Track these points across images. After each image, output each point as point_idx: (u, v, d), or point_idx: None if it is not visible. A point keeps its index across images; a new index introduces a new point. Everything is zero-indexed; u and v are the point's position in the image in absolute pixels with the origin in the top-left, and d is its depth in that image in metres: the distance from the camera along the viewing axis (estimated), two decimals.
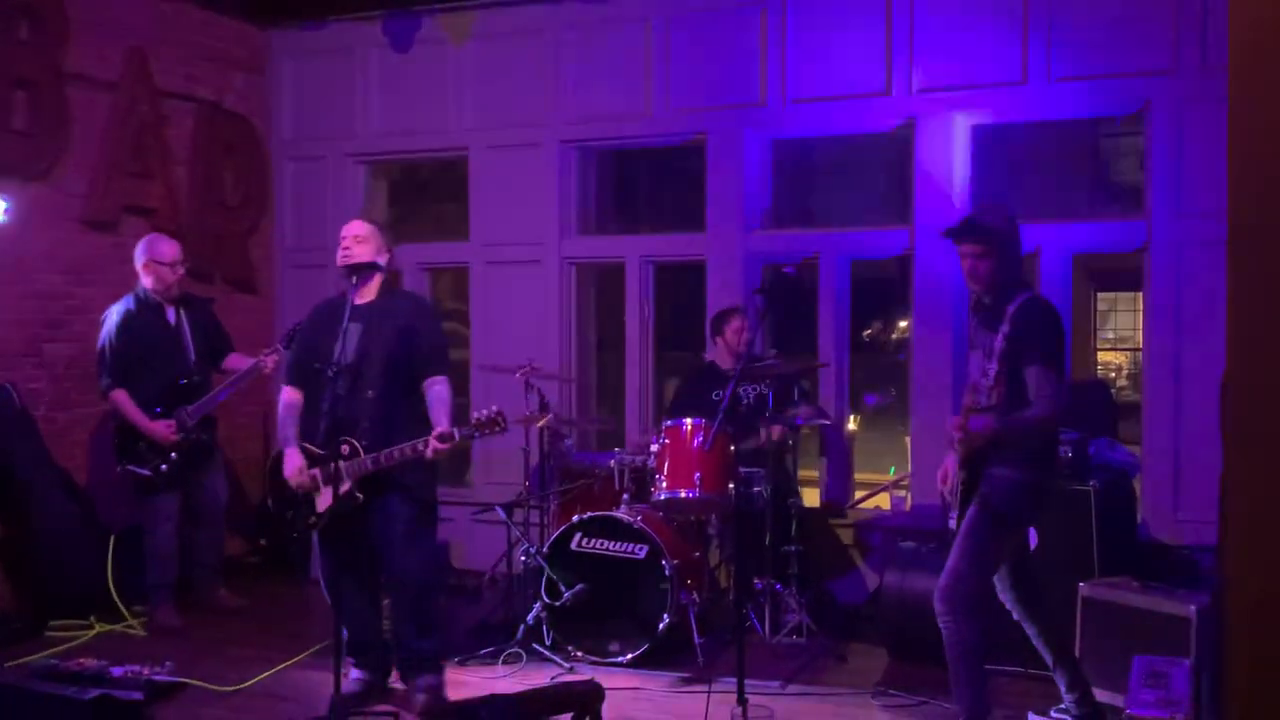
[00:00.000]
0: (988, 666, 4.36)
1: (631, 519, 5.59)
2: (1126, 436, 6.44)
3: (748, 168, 7.00)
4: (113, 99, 6.94)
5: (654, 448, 5.87)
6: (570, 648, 5.57)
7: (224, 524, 6.61)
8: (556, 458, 6.36)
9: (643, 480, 5.96)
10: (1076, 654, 4.74)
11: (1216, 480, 4.64)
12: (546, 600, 5.63)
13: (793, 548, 5.97)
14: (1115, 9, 6.16)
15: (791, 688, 5.21)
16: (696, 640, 5.48)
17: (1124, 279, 13.91)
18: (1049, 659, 4.52)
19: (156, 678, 5.05)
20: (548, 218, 7.45)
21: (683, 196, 7.48)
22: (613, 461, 6.03)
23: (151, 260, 6.17)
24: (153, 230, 6.77)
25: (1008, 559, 4.41)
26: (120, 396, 6.05)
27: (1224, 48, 3.02)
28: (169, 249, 6.22)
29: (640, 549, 5.55)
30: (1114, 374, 16.50)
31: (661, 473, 5.72)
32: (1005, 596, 4.49)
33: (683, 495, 5.64)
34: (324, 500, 4.83)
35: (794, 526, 6.03)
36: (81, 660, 5.22)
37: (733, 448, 5.45)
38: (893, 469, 7.35)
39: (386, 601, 5.11)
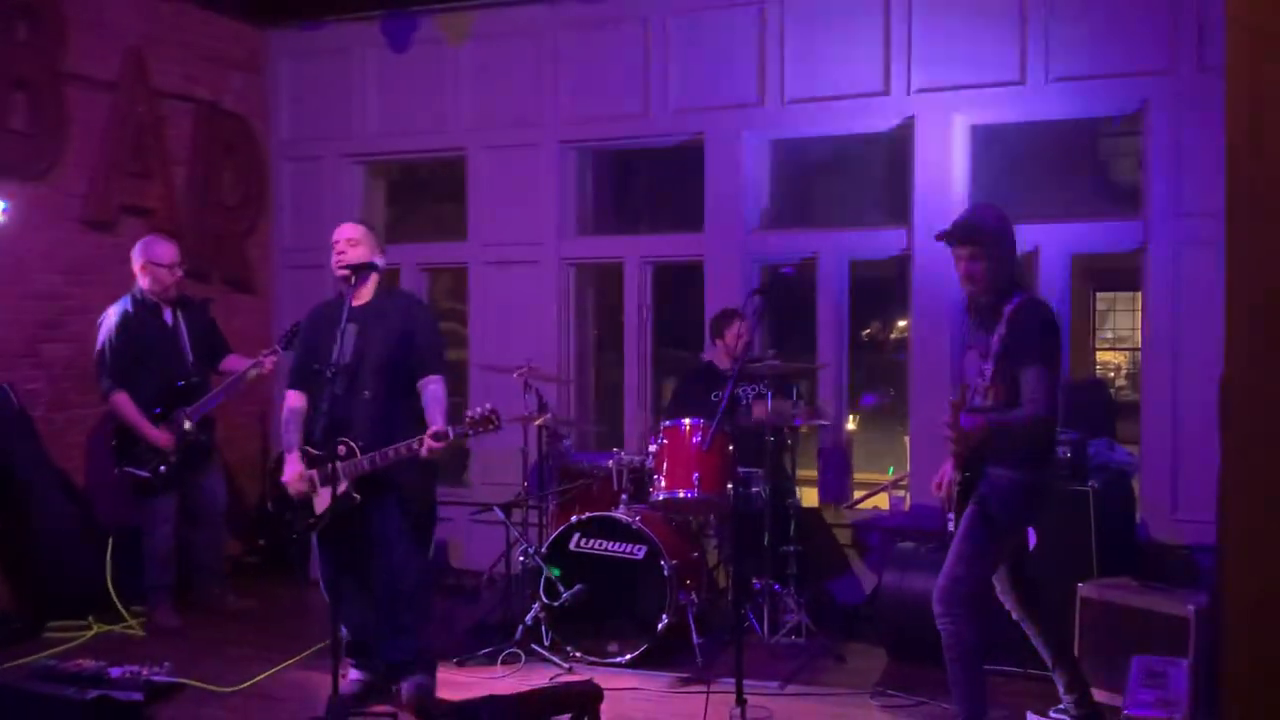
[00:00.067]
0: (986, 667, 4.36)
1: (630, 519, 5.59)
2: (1125, 436, 6.44)
3: (746, 168, 7.00)
4: (111, 99, 6.94)
5: (652, 448, 5.87)
6: (569, 648, 5.57)
7: (224, 525, 6.61)
8: (555, 458, 6.36)
9: (641, 480, 5.96)
10: (1075, 654, 4.74)
11: (1215, 480, 4.65)
12: (545, 600, 5.63)
13: (791, 548, 5.97)
14: (1113, 9, 6.16)
15: (790, 688, 5.22)
16: (695, 640, 5.48)
17: (1123, 279, 13.92)
18: (1048, 659, 4.52)
19: (155, 678, 5.04)
20: (546, 218, 7.45)
21: (681, 197, 7.48)
22: (611, 462, 6.03)
23: (149, 262, 6.16)
24: (151, 230, 6.78)
25: (1007, 559, 4.41)
26: (121, 399, 6.05)
27: (1221, 48, 3.02)
28: (167, 251, 6.21)
29: (639, 549, 5.55)
30: (1113, 374, 16.51)
31: (660, 473, 5.72)
32: (1005, 597, 4.49)
33: (681, 495, 5.64)
34: (322, 501, 4.83)
35: (793, 527, 6.03)
36: (80, 661, 5.21)
37: (730, 447, 5.45)
38: (891, 469, 7.35)
39: (378, 602, 5.10)
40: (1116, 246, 6.39)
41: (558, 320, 7.46)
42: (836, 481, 6.96)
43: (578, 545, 5.66)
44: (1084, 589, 5.05)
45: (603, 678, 5.00)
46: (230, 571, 6.74)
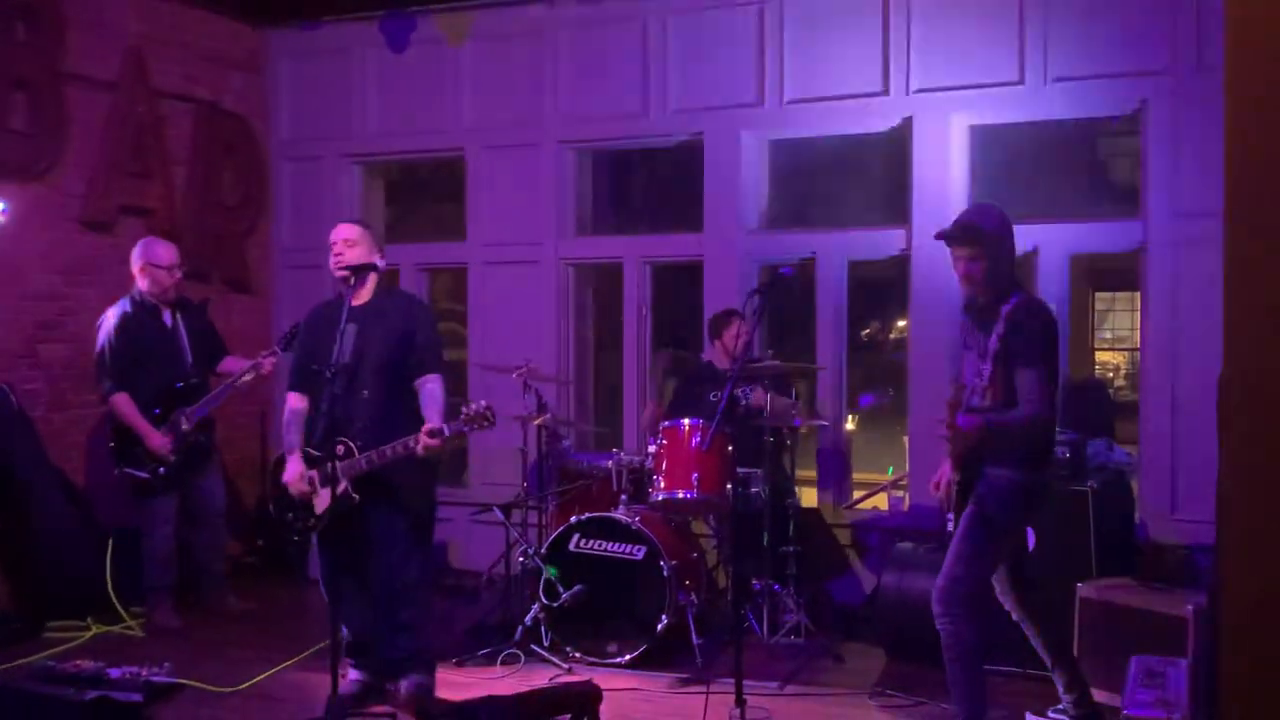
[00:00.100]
0: (986, 667, 4.36)
1: (629, 520, 5.59)
2: (1124, 436, 6.45)
3: (745, 168, 7.00)
4: (111, 99, 6.94)
5: (651, 448, 5.87)
6: (568, 648, 5.57)
7: (224, 527, 6.60)
8: (554, 458, 6.36)
9: (641, 481, 5.96)
10: (1074, 654, 4.74)
11: (1214, 480, 4.65)
12: (544, 601, 5.63)
13: (790, 548, 5.98)
14: (1111, 10, 6.16)
15: (789, 688, 5.22)
16: (695, 641, 5.48)
17: (1122, 279, 13.91)
18: (1047, 659, 4.52)
19: (154, 679, 5.04)
20: (545, 218, 7.46)
21: (680, 197, 7.48)
22: (610, 462, 6.03)
23: (149, 264, 6.16)
24: (150, 231, 6.80)
25: (1006, 559, 4.41)
26: (122, 400, 6.05)
27: (1220, 47, 3.02)
28: (166, 252, 6.21)
29: (638, 550, 5.55)
30: (1112, 374, 16.49)
31: (659, 473, 5.72)
32: (1004, 597, 4.49)
33: (680, 496, 5.64)
34: (322, 501, 4.83)
35: (792, 527, 6.04)
36: (79, 661, 5.21)
37: (730, 448, 5.45)
38: (891, 469, 7.34)
39: (378, 602, 5.10)
40: (1115, 246, 6.40)
41: (557, 320, 7.46)
42: (836, 482, 6.96)
43: (577, 546, 5.66)
44: (1083, 589, 5.06)
45: (602, 678, 5.01)
46: (230, 572, 6.74)
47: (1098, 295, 16.09)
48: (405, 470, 4.81)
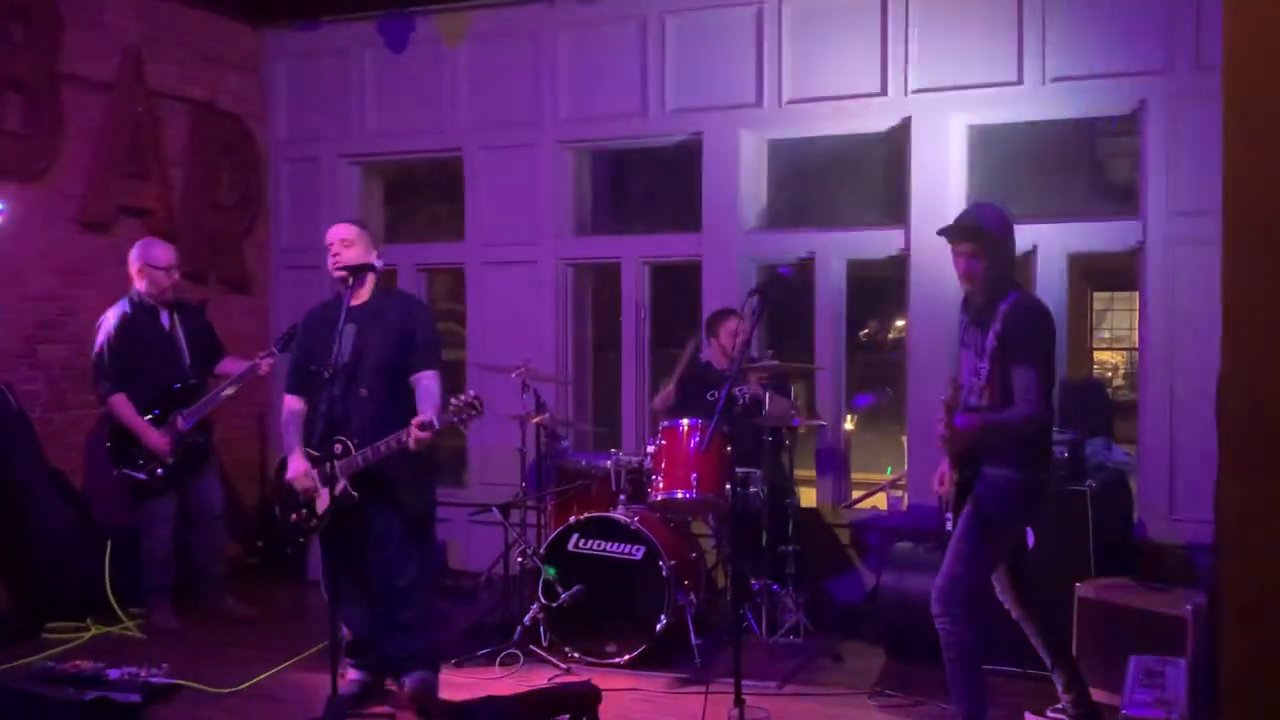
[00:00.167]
0: (985, 666, 4.35)
1: (628, 520, 5.59)
2: (1123, 436, 6.45)
3: (743, 168, 7.00)
4: (108, 100, 6.94)
5: (650, 448, 5.87)
6: (567, 649, 5.56)
7: (223, 529, 6.59)
8: (553, 458, 6.36)
9: (640, 481, 5.96)
10: (1073, 654, 4.74)
11: (1213, 480, 4.65)
12: (543, 601, 5.63)
13: (790, 548, 5.98)
14: (1109, 9, 6.16)
15: (788, 688, 5.22)
16: (694, 641, 5.48)
17: (1120, 278, 13.91)
18: (1046, 659, 4.52)
19: (153, 680, 5.04)
20: (544, 218, 7.46)
21: (678, 197, 7.48)
22: (609, 462, 6.03)
23: (146, 265, 6.16)
24: (148, 231, 6.79)
25: (1006, 559, 4.41)
26: (120, 401, 6.04)
27: (1218, 46, 3.03)
28: (164, 253, 6.21)
29: (637, 550, 5.55)
30: (1110, 373, 16.49)
31: (658, 473, 5.72)
32: (1004, 596, 4.49)
33: (679, 496, 5.64)
34: (322, 501, 4.83)
35: (791, 527, 6.04)
36: (78, 662, 5.22)
37: (728, 448, 5.45)
38: (889, 469, 7.35)
39: (379, 601, 5.10)
40: (1114, 246, 6.40)
41: (555, 320, 7.46)
42: (835, 482, 6.96)
43: (576, 546, 5.66)
44: (1082, 589, 5.06)
45: (601, 678, 5.01)
46: (229, 574, 6.73)
47: (1096, 295, 16.08)
48: (405, 470, 4.81)
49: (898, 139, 6.71)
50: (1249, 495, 2.74)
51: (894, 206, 6.86)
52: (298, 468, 4.88)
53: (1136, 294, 6.43)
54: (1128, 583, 5.10)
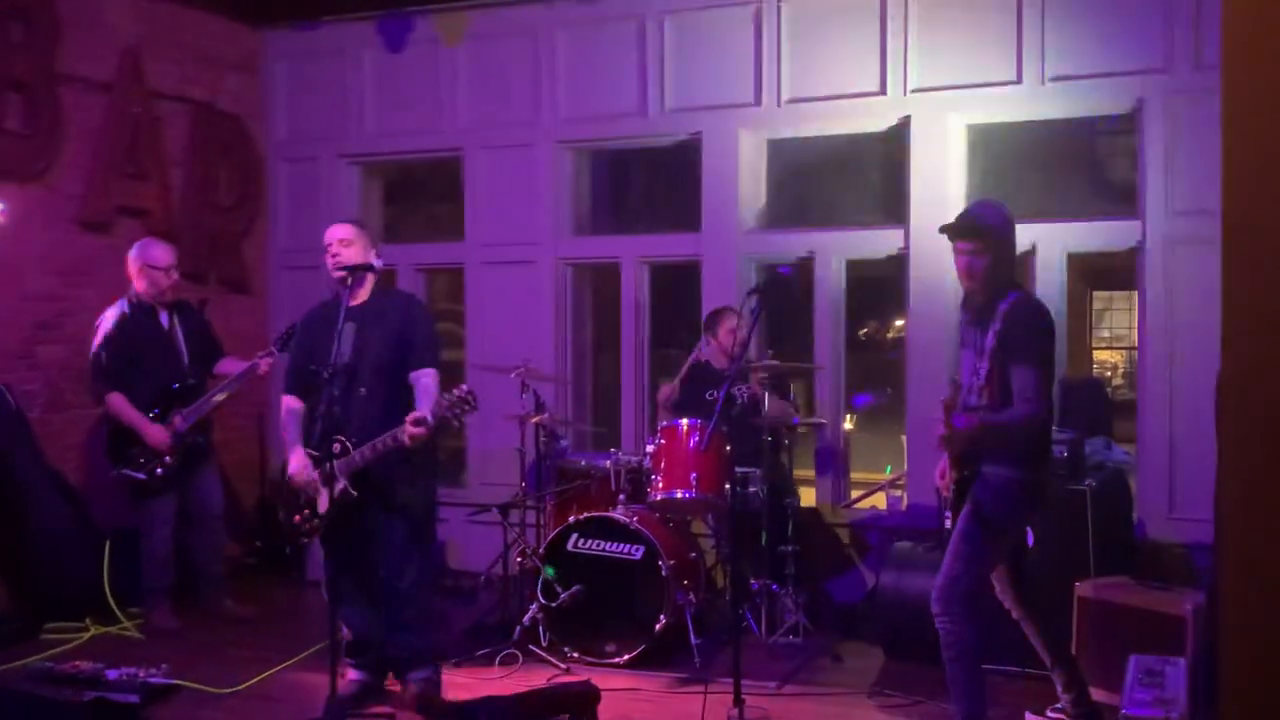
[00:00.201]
0: (985, 666, 4.35)
1: (628, 520, 5.59)
2: (1122, 435, 6.44)
3: (742, 168, 7.00)
4: (107, 100, 6.93)
5: (650, 448, 5.87)
6: (566, 649, 5.56)
7: (223, 530, 6.59)
8: (552, 458, 6.35)
9: (639, 481, 5.95)
10: (1073, 653, 4.74)
11: (1212, 479, 4.65)
12: (543, 601, 5.63)
13: (789, 547, 5.97)
14: (1108, 9, 6.16)
15: (788, 688, 5.22)
16: (693, 641, 5.47)
17: (1120, 278, 13.91)
18: (1046, 658, 4.52)
19: (152, 680, 5.04)
20: (543, 218, 7.45)
21: (678, 197, 7.48)
22: (609, 462, 6.02)
23: (146, 265, 6.16)
24: (147, 231, 6.79)
25: (1006, 558, 4.41)
26: (117, 399, 6.04)
27: (1217, 46, 3.02)
28: (163, 254, 6.21)
29: (636, 550, 5.55)
30: (1110, 373, 16.49)
31: (658, 473, 5.72)
32: (1003, 596, 4.48)
33: (679, 496, 5.64)
34: (323, 501, 4.83)
35: (790, 526, 6.03)
36: (77, 663, 5.22)
37: (728, 448, 5.44)
38: (889, 468, 7.35)
39: (381, 601, 5.10)
40: (1113, 245, 6.39)
41: (554, 320, 7.45)
42: (834, 481, 6.95)
43: (575, 546, 5.66)
44: (1081, 588, 5.05)
45: (600, 678, 5.01)
46: (228, 574, 6.73)
47: (1095, 294, 16.09)
48: (406, 470, 4.82)
49: (897, 138, 6.71)
50: (1249, 495, 2.74)
51: (893, 206, 6.86)
52: (298, 462, 4.87)
53: (1135, 293, 6.42)
54: (1127, 582, 5.10)
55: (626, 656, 5.47)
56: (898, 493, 6.80)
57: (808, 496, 6.92)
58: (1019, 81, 6.33)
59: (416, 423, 4.59)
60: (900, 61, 6.57)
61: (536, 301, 7.46)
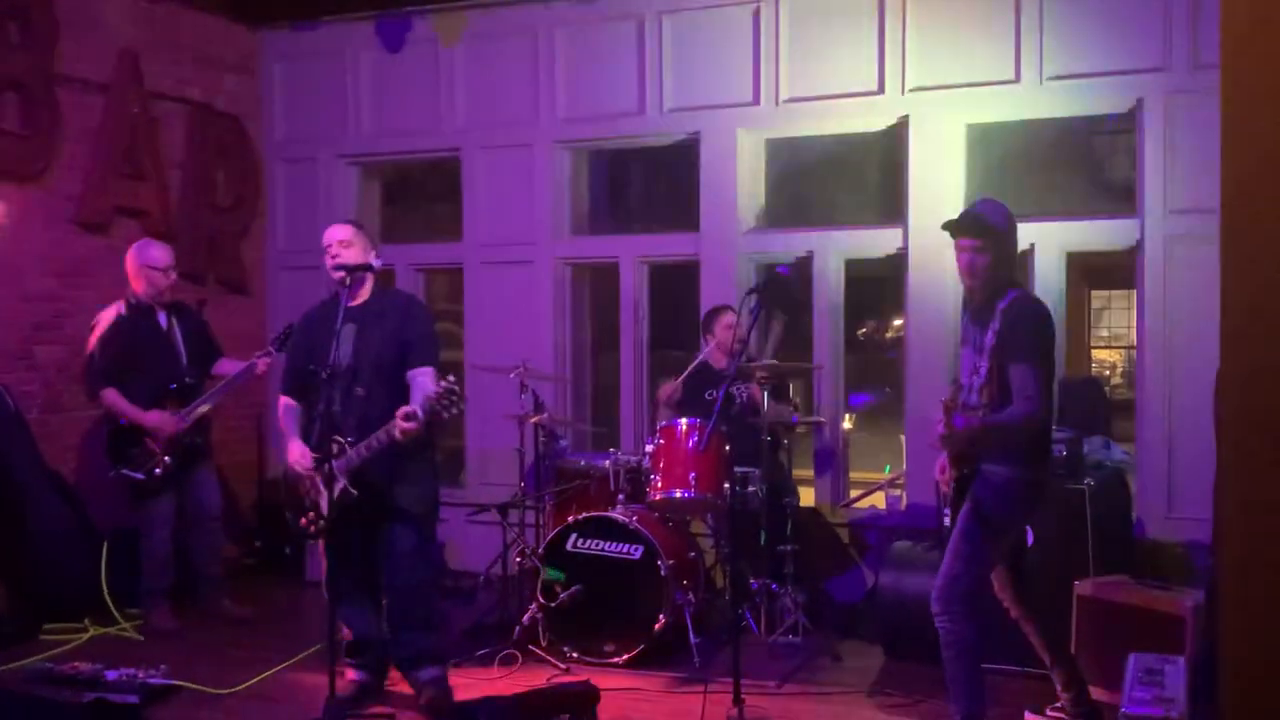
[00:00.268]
0: (984, 665, 4.35)
1: (627, 519, 5.59)
2: (1121, 434, 6.45)
3: (741, 167, 7.00)
4: (105, 101, 6.93)
5: (649, 448, 5.87)
6: (566, 649, 5.56)
7: (221, 530, 6.58)
8: (551, 458, 6.35)
9: (638, 481, 5.95)
10: (1072, 652, 4.74)
11: (1211, 478, 4.65)
12: (542, 601, 5.63)
13: (788, 547, 5.97)
14: (1106, 8, 6.16)
15: (787, 687, 5.21)
16: (692, 640, 5.47)
17: (1118, 277, 13.93)
18: (1045, 657, 4.52)
19: (151, 681, 5.04)
20: (541, 218, 7.45)
21: (676, 196, 7.48)
22: (608, 462, 6.02)
23: (144, 265, 6.15)
24: (145, 232, 6.80)
25: (1005, 557, 4.41)
26: (111, 394, 6.03)
27: (1215, 44, 3.02)
28: (161, 254, 6.21)
29: (636, 549, 5.54)
30: (1108, 372, 16.51)
31: (657, 473, 5.72)
32: (1002, 595, 4.49)
33: (678, 496, 5.64)
34: (325, 501, 4.83)
35: (789, 526, 6.03)
36: (76, 664, 5.22)
37: (727, 447, 5.45)
38: (888, 467, 7.35)
39: (386, 601, 5.10)
40: (1111, 244, 6.40)
41: (553, 320, 7.45)
42: (833, 481, 6.95)
43: (574, 546, 5.65)
44: (1081, 587, 5.06)
45: (600, 678, 5.01)
46: (227, 575, 6.72)
47: (1094, 293, 16.11)
48: (408, 470, 4.82)
49: (895, 138, 6.71)
50: (1248, 493, 2.74)
51: (892, 205, 6.86)
52: (295, 449, 4.86)
53: (1134, 292, 6.42)
54: (1126, 581, 5.10)
55: (626, 656, 5.47)
56: (897, 492, 6.80)
57: (807, 496, 6.92)
58: (1017, 81, 6.33)
59: (407, 418, 4.58)
60: (899, 61, 6.57)
61: (535, 301, 7.46)
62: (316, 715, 4.58)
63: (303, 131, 8.06)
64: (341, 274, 4.85)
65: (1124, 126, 6.45)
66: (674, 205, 7.56)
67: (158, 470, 6.05)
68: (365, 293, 4.95)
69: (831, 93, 6.73)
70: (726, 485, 5.42)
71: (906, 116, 6.58)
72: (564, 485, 6.21)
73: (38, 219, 6.57)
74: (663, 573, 5.44)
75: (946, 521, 4.36)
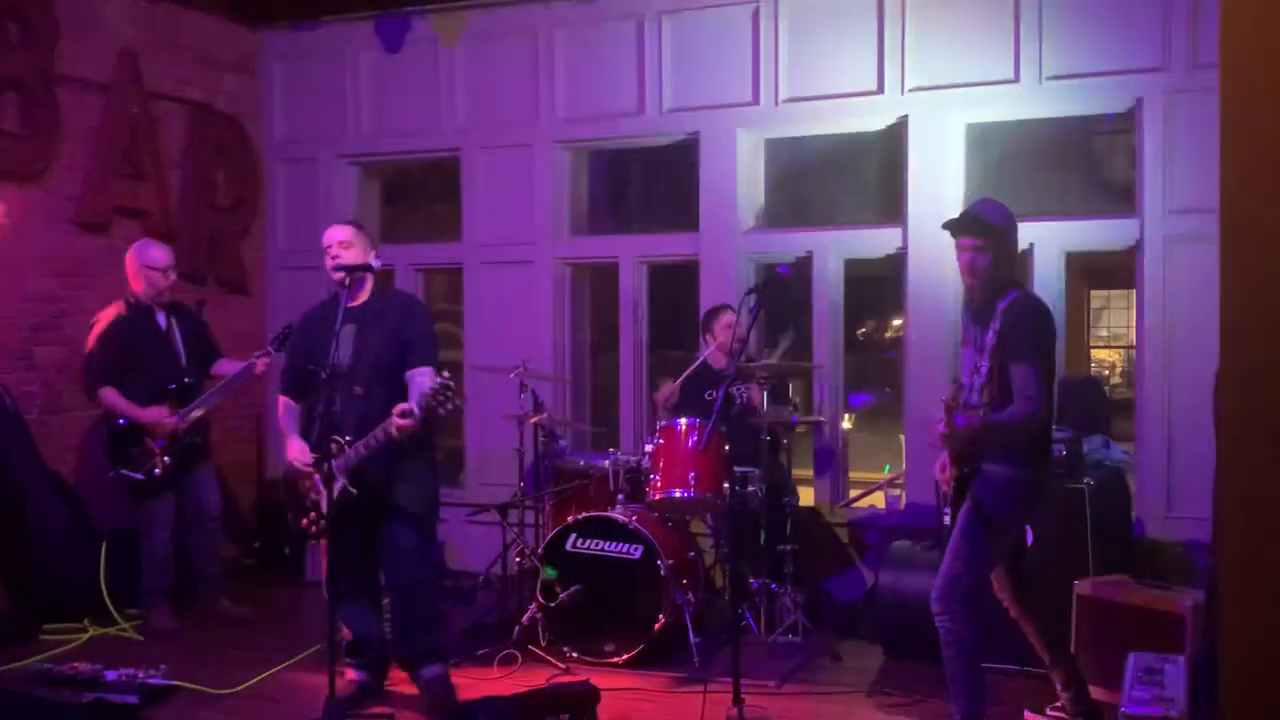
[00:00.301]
0: (984, 665, 4.35)
1: (627, 519, 5.59)
2: (1121, 434, 6.45)
3: (740, 167, 7.00)
4: (104, 101, 6.93)
5: (648, 448, 5.87)
6: (565, 649, 5.56)
7: (220, 530, 6.58)
8: (551, 458, 6.35)
9: (638, 480, 5.95)
10: (1072, 651, 4.74)
11: (1210, 477, 4.66)
12: (542, 601, 5.63)
13: (788, 547, 5.97)
14: (1106, 7, 6.16)
15: (787, 687, 5.21)
16: (692, 640, 5.47)
17: (1118, 276, 13.94)
18: (1045, 656, 4.52)
19: (151, 681, 5.04)
20: (541, 218, 7.45)
21: (676, 196, 7.48)
22: (607, 462, 6.02)
23: (144, 266, 6.15)
24: (145, 232, 6.79)
25: (1005, 557, 4.41)
26: (109, 393, 6.03)
27: (1214, 44, 3.03)
28: (160, 254, 6.21)
29: (635, 549, 5.54)
30: (1108, 371, 16.52)
31: (656, 473, 5.72)
32: (1002, 594, 4.49)
33: (678, 495, 5.64)
34: (324, 502, 4.82)
35: (789, 525, 6.03)
36: (76, 664, 5.21)
37: (726, 447, 5.45)
38: (887, 467, 7.35)
39: (387, 601, 5.11)
40: (1111, 244, 6.40)
41: (553, 320, 7.45)
42: (832, 480, 6.95)
43: (574, 545, 5.65)
44: (1080, 586, 5.06)
45: (599, 678, 5.01)
46: (226, 575, 6.72)
47: (1093, 293, 16.12)
48: (409, 469, 4.83)
49: (895, 137, 6.71)
50: (1248, 490, 2.74)
51: (891, 205, 6.86)
52: (296, 446, 4.86)
53: (1133, 292, 6.43)
54: (1126, 580, 5.10)
55: (625, 656, 5.47)
56: (896, 492, 6.81)
57: (806, 496, 6.92)
58: (1017, 80, 6.33)
59: (403, 414, 4.58)
60: (898, 61, 6.57)
61: (535, 301, 7.46)
62: (316, 715, 4.58)
63: (302, 131, 8.06)
64: (341, 274, 4.85)
65: (1123, 126, 6.45)
66: (674, 205, 7.56)
67: (157, 470, 6.05)
68: (365, 293, 4.95)
69: (831, 92, 6.74)
70: (726, 485, 5.42)
71: (906, 116, 6.58)
72: (563, 485, 6.21)
73: (38, 219, 6.57)
74: (662, 572, 5.44)
75: (946, 521, 4.36)
